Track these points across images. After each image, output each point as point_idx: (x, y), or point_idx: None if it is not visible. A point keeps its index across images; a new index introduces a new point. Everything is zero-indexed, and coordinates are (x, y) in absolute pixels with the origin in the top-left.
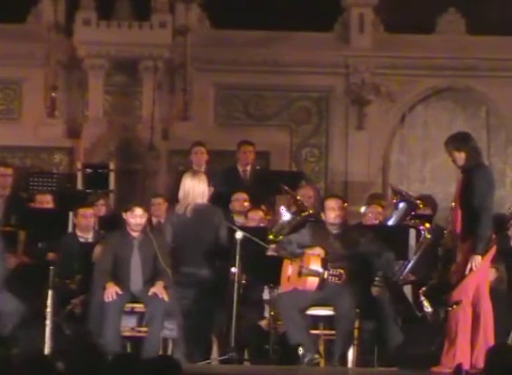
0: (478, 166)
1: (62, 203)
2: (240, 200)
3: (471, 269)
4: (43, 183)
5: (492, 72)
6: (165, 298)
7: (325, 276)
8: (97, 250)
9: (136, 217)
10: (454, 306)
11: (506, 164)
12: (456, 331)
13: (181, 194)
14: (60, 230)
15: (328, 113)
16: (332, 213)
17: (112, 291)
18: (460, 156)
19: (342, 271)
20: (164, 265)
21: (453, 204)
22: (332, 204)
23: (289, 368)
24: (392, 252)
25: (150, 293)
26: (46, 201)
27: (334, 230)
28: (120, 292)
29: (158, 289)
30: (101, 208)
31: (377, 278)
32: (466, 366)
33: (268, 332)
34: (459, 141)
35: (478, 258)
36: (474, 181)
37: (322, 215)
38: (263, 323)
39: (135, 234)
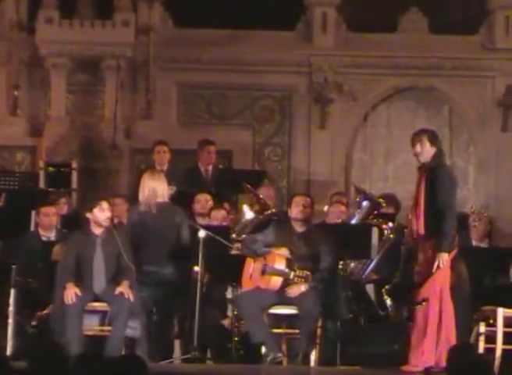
0: (442, 165)
1: (24, 202)
2: (203, 201)
3: (438, 267)
4: (5, 182)
5: (454, 71)
6: (131, 297)
7: (291, 276)
8: (57, 250)
9: (104, 211)
10: (423, 304)
11: (468, 163)
12: (425, 329)
13: (140, 193)
14: (18, 228)
15: (291, 112)
16: (296, 208)
17: (71, 293)
18: (430, 151)
19: (308, 273)
20: (128, 262)
21: (412, 202)
22: (298, 199)
23: (252, 367)
24: (349, 252)
25: (116, 292)
26: None
27: (298, 229)
28: (79, 293)
29: (125, 289)
30: (63, 207)
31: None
32: (432, 364)
33: (231, 331)
34: (435, 136)
35: (444, 256)
36: (438, 180)
37: (289, 210)
38: (226, 322)
39: (98, 232)
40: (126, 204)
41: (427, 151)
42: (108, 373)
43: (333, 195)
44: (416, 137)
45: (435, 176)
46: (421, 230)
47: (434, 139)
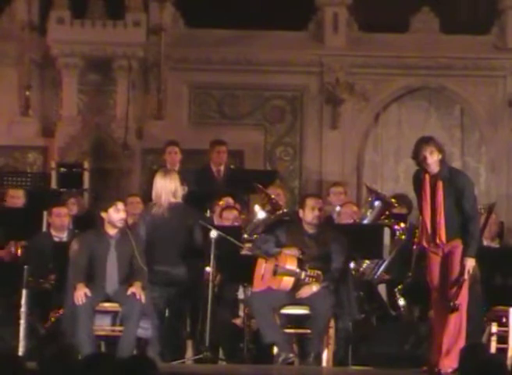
0: (459, 172)
1: (36, 202)
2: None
3: (468, 272)
4: (16, 182)
5: (465, 71)
6: (143, 299)
7: (302, 276)
8: (74, 246)
9: (119, 211)
10: (458, 308)
11: (479, 163)
12: (458, 333)
13: (153, 193)
14: (32, 228)
15: (303, 112)
16: (311, 213)
17: (80, 294)
18: (438, 158)
19: (319, 272)
20: (141, 263)
21: (425, 211)
22: (312, 203)
23: (263, 367)
24: (361, 253)
25: (128, 292)
26: (17, 196)
27: (310, 229)
28: (89, 294)
29: (137, 289)
30: (72, 207)
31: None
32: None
33: (243, 330)
34: (440, 143)
35: (472, 261)
36: (463, 187)
37: (300, 211)
38: (238, 321)
39: (112, 233)
40: (141, 203)
41: (436, 160)
42: (118, 373)
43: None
44: (424, 148)
45: (457, 185)
46: (444, 238)
47: (440, 146)
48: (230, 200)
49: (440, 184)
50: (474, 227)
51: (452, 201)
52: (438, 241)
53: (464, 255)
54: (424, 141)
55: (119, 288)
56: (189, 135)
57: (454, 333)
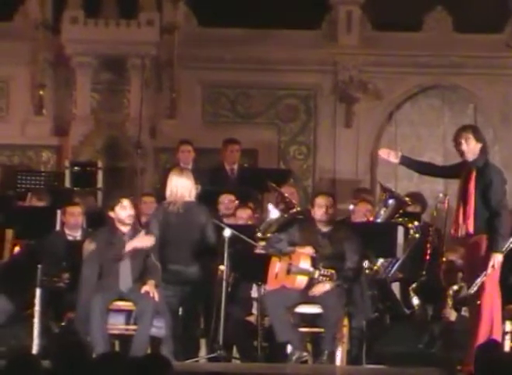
0: (490, 165)
1: (50, 201)
2: (226, 202)
3: (492, 267)
4: (31, 182)
5: (478, 69)
6: (156, 297)
7: (316, 275)
8: (87, 246)
9: (126, 208)
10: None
11: (493, 161)
12: (490, 331)
13: (168, 191)
14: (44, 228)
15: (316, 111)
16: (320, 210)
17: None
18: (476, 148)
19: (333, 271)
20: (155, 261)
21: (458, 200)
22: (320, 201)
23: (277, 366)
24: (374, 251)
25: (142, 291)
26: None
27: (323, 228)
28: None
29: (150, 288)
30: None
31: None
32: None
33: (256, 328)
34: (479, 132)
35: (499, 256)
36: (491, 181)
37: (312, 211)
38: (251, 318)
39: (125, 230)
40: (155, 203)
41: (473, 148)
42: (132, 372)
43: (358, 192)
44: (460, 134)
45: (486, 177)
46: (471, 229)
47: (479, 134)
48: (232, 197)
49: (473, 174)
50: (498, 222)
51: (480, 193)
52: (464, 231)
53: (490, 249)
54: (463, 127)
55: (132, 286)
56: (202, 134)
57: (486, 331)
